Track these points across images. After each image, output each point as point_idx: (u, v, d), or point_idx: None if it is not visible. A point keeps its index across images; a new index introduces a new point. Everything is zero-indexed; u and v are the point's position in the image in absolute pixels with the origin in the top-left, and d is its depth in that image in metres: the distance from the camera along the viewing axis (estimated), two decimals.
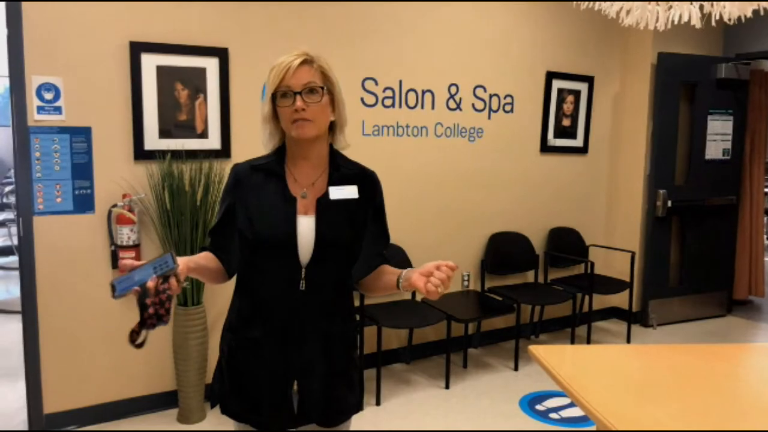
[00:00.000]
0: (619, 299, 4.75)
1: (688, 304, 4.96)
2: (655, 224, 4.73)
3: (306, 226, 1.53)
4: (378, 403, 3.36)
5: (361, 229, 1.60)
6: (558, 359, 1.86)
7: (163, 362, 3.18)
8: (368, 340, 3.50)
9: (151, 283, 1.28)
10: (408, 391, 3.53)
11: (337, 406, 1.64)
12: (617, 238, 4.87)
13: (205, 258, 1.55)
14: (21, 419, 3.03)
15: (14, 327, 4.37)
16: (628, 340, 4.46)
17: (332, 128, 1.58)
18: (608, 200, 4.89)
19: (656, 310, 4.81)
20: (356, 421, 1.74)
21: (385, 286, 1.58)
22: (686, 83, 4.76)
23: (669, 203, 4.67)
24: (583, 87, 4.54)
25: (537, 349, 1.93)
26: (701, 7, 2.13)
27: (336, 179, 1.58)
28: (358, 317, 3.44)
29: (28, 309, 2.88)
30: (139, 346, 1.31)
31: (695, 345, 2.24)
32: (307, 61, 1.49)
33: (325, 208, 1.54)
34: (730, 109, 4.89)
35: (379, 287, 1.62)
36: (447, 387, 3.58)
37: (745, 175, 5.09)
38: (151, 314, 1.28)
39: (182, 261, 1.37)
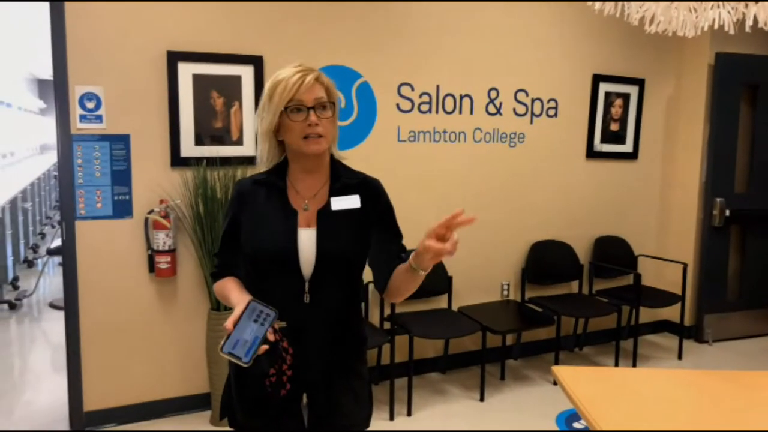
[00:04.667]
0: (672, 312, 4.50)
1: (748, 320, 4.66)
2: (712, 234, 4.46)
3: (307, 240, 1.51)
4: (409, 414, 3.31)
5: (365, 238, 1.57)
6: (578, 381, 1.77)
7: (197, 365, 3.24)
8: (401, 349, 3.45)
9: (271, 336, 1.36)
10: (441, 402, 3.46)
11: (345, 420, 1.61)
12: (669, 248, 4.62)
13: (240, 284, 1.57)
14: (64, 414, 3.15)
15: None
16: (680, 357, 4.22)
17: None
18: (660, 208, 4.65)
19: (712, 325, 4.54)
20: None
21: (403, 279, 1.52)
22: (747, 85, 4.47)
23: (727, 212, 4.41)
24: (633, 90, 4.34)
25: (558, 370, 1.84)
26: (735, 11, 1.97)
27: (337, 189, 1.55)
28: (389, 325, 3.42)
29: (71, 309, 3.00)
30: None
31: (737, 372, 2.08)
32: (318, 78, 1.51)
33: (326, 219, 1.52)
34: None
35: (399, 285, 1.55)
36: (482, 399, 3.49)
37: None
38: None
39: (243, 298, 1.41)
